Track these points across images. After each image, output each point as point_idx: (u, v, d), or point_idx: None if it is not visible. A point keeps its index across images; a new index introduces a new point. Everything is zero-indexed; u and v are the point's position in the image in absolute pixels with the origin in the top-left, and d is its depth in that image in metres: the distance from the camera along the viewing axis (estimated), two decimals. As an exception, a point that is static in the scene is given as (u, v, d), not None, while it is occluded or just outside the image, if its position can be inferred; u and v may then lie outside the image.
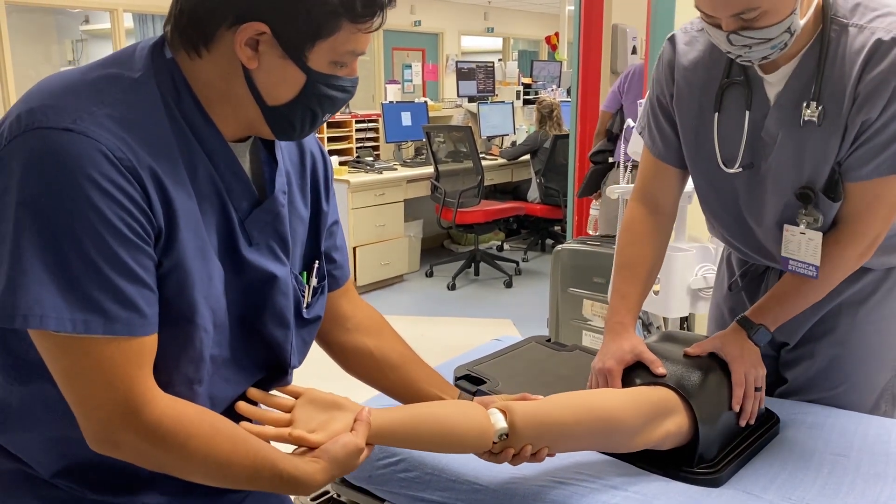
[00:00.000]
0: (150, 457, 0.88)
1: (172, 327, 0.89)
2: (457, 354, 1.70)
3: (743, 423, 1.32)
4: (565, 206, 4.91)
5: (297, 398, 0.99)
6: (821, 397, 1.51)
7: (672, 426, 1.21)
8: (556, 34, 9.23)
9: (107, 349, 0.82)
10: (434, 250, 6.41)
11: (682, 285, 2.31)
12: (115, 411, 0.84)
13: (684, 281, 2.32)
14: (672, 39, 1.45)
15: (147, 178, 0.84)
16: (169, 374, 0.91)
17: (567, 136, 4.73)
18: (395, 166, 5.65)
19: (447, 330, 4.50)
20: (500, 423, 1.06)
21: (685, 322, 2.60)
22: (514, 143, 6.46)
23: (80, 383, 0.83)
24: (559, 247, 3.11)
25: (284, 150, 1.06)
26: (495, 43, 10.59)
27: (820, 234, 1.32)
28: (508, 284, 5.44)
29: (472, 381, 1.51)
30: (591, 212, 4.17)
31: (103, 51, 8.00)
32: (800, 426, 1.38)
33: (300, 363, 1.10)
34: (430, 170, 5.52)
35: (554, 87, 7.42)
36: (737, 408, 1.30)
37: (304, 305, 1.08)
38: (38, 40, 7.81)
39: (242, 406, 0.98)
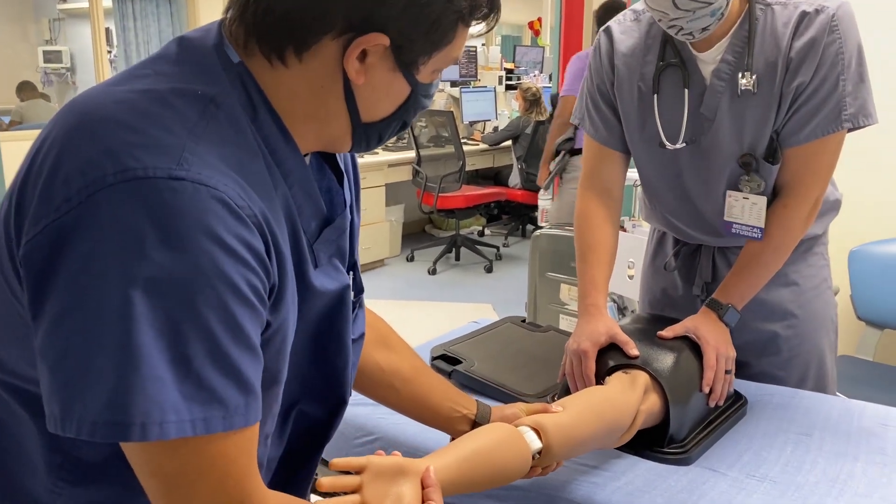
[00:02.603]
0: None
1: (265, 392, 0.76)
2: (440, 335, 1.72)
3: (712, 405, 1.35)
4: (546, 192, 4.94)
5: (358, 472, 0.89)
6: (788, 374, 1.57)
7: (644, 406, 1.24)
8: (539, 19, 9.21)
9: (222, 445, 0.67)
10: (415, 235, 6.42)
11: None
12: None
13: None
14: (608, 30, 1.53)
15: (264, 226, 0.71)
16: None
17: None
18: (377, 150, 5.64)
19: (427, 314, 4.52)
20: (535, 443, 1.04)
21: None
22: (496, 129, 6.47)
23: (186, 491, 0.68)
24: (538, 232, 3.14)
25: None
26: (478, 27, 10.57)
27: (764, 199, 1.41)
28: (489, 269, 5.47)
29: (448, 361, 1.54)
30: (541, 203, 4.07)
31: (81, 30, 7.89)
32: (766, 406, 1.41)
33: (351, 392, 0.98)
34: (411, 154, 5.52)
35: (536, 72, 7.42)
36: (707, 390, 1.33)
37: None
38: (15, 19, 7.71)
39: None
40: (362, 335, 0.99)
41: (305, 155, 0.84)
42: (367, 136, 0.83)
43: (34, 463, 0.78)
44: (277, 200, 0.76)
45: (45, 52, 8.52)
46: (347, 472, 0.88)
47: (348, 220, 0.90)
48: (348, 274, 0.91)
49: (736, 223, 1.44)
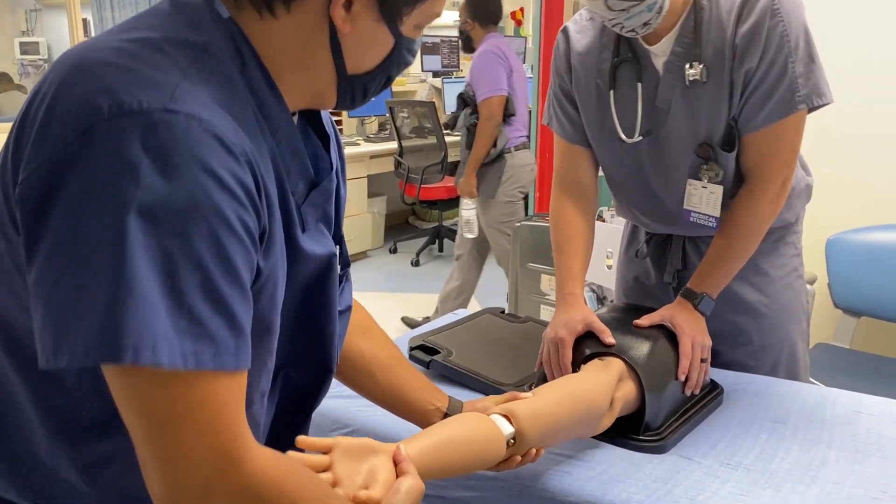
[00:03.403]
0: None
1: (259, 342, 0.77)
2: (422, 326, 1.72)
3: (688, 393, 1.35)
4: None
5: (326, 452, 0.88)
6: (759, 364, 1.58)
7: (620, 394, 1.24)
8: (521, 9, 9.19)
9: (212, 386, 0.67)
10: (398, 226, 6.40)
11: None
12: (216, 465, 0.68)
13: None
14: (565, 31, 1.55)
15: (255, 167, 0.72)
16: (252, 392, 0.81)
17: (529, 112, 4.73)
18: (359, 141, 5.62)
19: (411, 306, 4.51)
20: (507, 428, 1.03)
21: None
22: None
23: (174, 432, 0.66)
24: (519, 223, 3.14)
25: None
26: (461, 18, 10.53)
27: (721, 188, 1.42)
28: (472, 260, 5.46)
29: (426, 352, 1.53)
30: (464, 213, 3.75)
31: (58, 21, 7.80)
32: (741, 395, 1.42)
33: (337, 362, 1.00)
34: (393, 145, 5.50)
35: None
36: (682, 377, 1.34)
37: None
38: (-9, 10, 7.59)
39: None
40: (349, 308, 1.01)
41: (294, 115, 0.85)
42: (353, 89, 0.85)
43: (33, 427, 0.78)
44: (266, 153, 0.76)
45: (21, 44, 8.41)
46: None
47: (334, 185, 0.91)
48: (336, 246, 0.93)
49: (694, 212, 1.46)
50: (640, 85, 1.43)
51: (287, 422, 0.95)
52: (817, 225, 2.30)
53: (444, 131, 5.52)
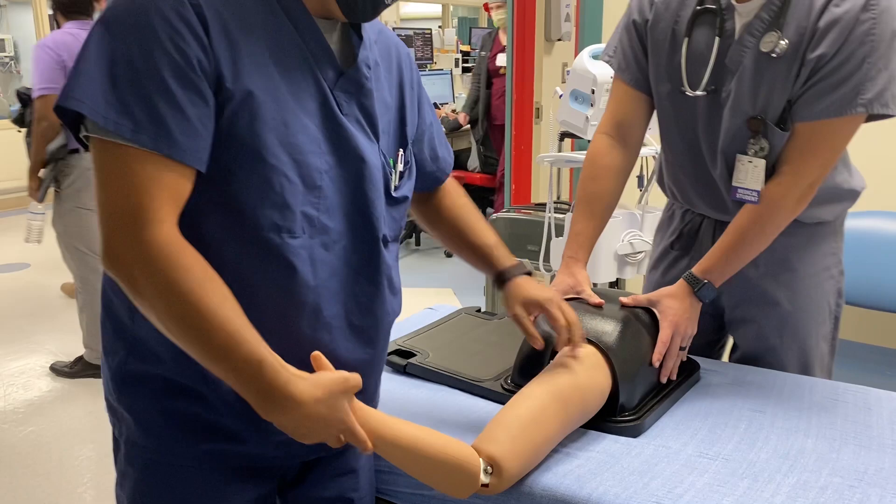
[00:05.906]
0: (141, 282, 0.87)
1: (249, 169, 0.93)
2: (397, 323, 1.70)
3: (664, 380, 1.35)
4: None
5: None
6: (773, 360, 1.55)
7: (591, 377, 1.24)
8: (495, 1, 9.17)
9: (133, 159, 0.87)
10: (375, 221, 6.36)
11: (610, 251, 2.35)
12: (124, 221, 0.87)
13: (611, 247, 2.35)
14: None
15: (212, 19, 0.90)
16: (255, 218, 0.93)
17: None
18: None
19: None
20: (484, 478, 1.05)
21: (614, 287, 2.65)
22: (454, 111, 6.42)
23: (103, 188, 0.88)
24: (495, 215, 3.13)
25: (374, 42, 1.10)
26: (434, 9, 10.47)
27: (764, 162, 1.37)
28: (449, 254, 5.45)
29: (402, 356, 1.51)
30: (30, 222, 3.33)
31: (24, 18, 7.67)
32: (721, 384, 1.43)
33: (393, 238, 1.12)
34: (368, 139, 5.45)
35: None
36: (657, 363, 1.33)
37: (393, 188, 1.10)
38: (-46, 7, 7.43)
39: None
40: (406, 198, 1.14)
41: (329, 19, 1.01)
42: None
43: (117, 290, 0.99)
44: (275, 36, 0.95)
45: (-14, 42, 8.23)
46: None
47: (365, 78, 1.04)
48: (398, 150, 1.11)
49: (741, 188, 1.41)
50: (717, 40, 1.38)
51: (360, 291, 1.07)
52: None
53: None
